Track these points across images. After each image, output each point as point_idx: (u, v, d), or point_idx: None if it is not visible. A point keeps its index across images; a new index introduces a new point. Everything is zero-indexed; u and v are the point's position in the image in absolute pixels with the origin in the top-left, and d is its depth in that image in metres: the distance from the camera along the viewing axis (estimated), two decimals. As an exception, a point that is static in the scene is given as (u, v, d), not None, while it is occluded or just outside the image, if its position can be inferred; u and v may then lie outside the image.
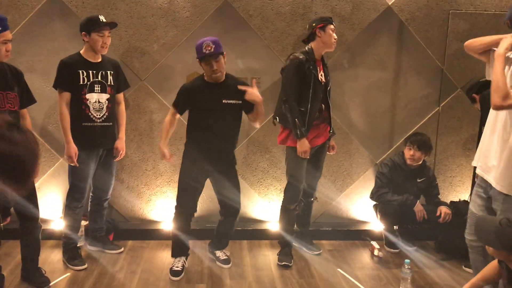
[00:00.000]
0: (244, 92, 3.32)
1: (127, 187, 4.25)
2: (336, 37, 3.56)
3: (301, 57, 3.49)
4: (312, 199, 3.99)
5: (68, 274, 3.51)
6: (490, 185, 2.73)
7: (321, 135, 3.72)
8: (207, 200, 4.31)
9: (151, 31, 4.01)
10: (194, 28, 4.02)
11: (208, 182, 3.60)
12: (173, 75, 4.10)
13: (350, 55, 4.19)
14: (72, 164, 3.48)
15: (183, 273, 3.54)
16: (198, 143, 3.47)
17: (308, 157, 3.61)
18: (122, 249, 3.94)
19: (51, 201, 4.19)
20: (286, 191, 3.78)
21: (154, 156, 4.21)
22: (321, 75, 3.61)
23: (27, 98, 3.27)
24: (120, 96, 3.72)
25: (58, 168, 4.13)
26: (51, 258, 3.75)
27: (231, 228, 3.73)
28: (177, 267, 3.55)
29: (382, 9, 4.12)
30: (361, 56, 4.21)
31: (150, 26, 4.00)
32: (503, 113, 2.64)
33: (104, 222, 3.96)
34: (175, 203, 3.56)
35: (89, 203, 3.83)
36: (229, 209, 3.62)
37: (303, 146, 3.52)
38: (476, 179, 2.95)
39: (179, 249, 3.62)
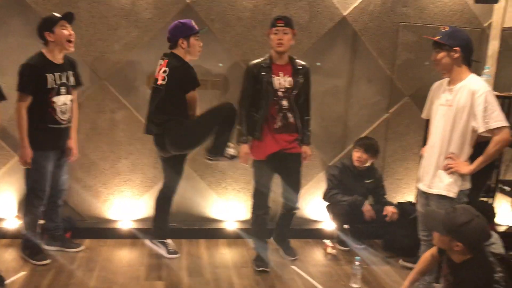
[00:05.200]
0: None
1: (85, 186, 4.24)
2: (72, 33, 3.42)
3: (254, 62, 3.61)
4: (292, 212, 3.88)
5: (24, 272, 3.48)
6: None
7: (282, 144, 3.60)
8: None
9: (113, 31, 4.03)
10: (156, 30, 4.08)
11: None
12: (133, 75, 4.14)
13: (306, 62, 4.34)
14: (26, 167, 3.46)
15: None
16: None
17: (247, 163, 3.69)
18: (83, 247, 3.93)
19: (4, 200, 4.12)
20: (252, 197, 3.80)
21: (112, 155, 4.23)
22: (283, 80, 3.54)
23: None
24: (74, 94, 3.68)
25: (13, 166, 4.07)
26: (5, 257, 3.71)
27: None
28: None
29: (338, 19, 4.33)
30: (317, 63, 4.39)
31: (111, 26, 4.02)
32: (440, 129, 3.07)
33: (61, 221, 3.94)
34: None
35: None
36: None
37: (241, 151, 3.63)
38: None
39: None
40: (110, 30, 4.02)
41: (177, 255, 3.87)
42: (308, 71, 3.65)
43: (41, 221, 3.86)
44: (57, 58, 3.45)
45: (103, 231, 4.20)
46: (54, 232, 3.85)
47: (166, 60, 3.52)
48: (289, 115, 3.58)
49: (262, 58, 3.63)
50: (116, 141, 4.21)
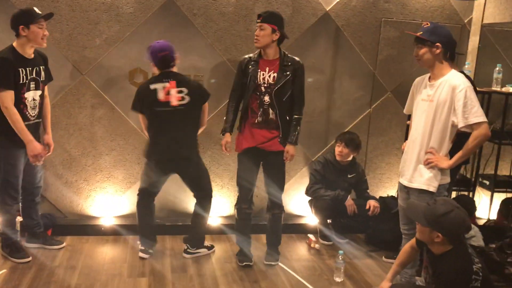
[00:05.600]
0: None
1: (66, 182, 4.19)
2: (47, 33, 3.38)
3: (245, 56, 3.63)
4: (275, 212, 3.79)
5: (4, 270, 3.44)
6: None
7: (259, 139, 3.59)
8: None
9: (94, 25, 3.98)
10: (137, 24, 4.04)
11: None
12: (115, 70, 4.10)
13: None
14: (39, 164, 3.45)
15: None
16: None
17: (226, 152, 3.76)
18: (64, 244, 3.89)
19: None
20: (238, 190, 3.81)
21: (94, 151, 4.18)
22: (268, 76, 3.50)
23: None
24: (46, 89, 3.62)
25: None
26: (-16, 255, 3.66)
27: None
28: None
29: (320, 14, 4.34)
30: (299, 58, 4.38)
31: (92, 21, 3.97)
32: (421, 124, 3.10)
33: (41, 217, 3.89)
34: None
35: (21, 200, 3.69)
36: None
37: (222, 140, 3.73)
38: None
39: None
40: (91, 25, 3.97)
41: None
42: (298, 68, 3.54)
43: (21, 219, 3.82)
44: (28, 52, 3.37)
45: (85, 228, 4.16)
46: (35, 229, 3.80)
47: (174, 81, 3.52)
48: (271, 111, 3.54)
49: (254, 53, 3.62)
50: (98, 137, 4.16)
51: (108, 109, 4.14)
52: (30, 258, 3.60)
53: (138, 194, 3.80)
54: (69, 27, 3.94)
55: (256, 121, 3.59)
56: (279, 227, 3.87)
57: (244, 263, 3.77)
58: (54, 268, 3.53)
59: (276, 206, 3.77)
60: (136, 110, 3.63)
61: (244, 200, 3.74)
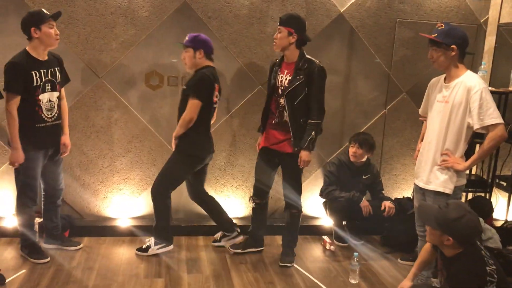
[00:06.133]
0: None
1: (83, 184, 4.25)
2: (58, 33, 3.40)
3: (275, 59, 3.72)
4: (293, 211, 3.79)
5: (24, 271, 3.50)
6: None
7: (271, 139, 3.68)
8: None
9: (110, 29, 4.03)
10: (153, 28, 4.08)
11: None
12: (131, 73, 4.15)
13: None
14: (15, 167, 3.44)
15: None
16: None
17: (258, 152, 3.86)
18: (82, 245, 3.95)
19: (2, 198, 4.13)
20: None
21: (111, 153, 4.24)
22: (285, 78, 3.54)
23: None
24: (62, 91, 3.66)
25: (12, 164, 4.07)
26: (4, 256, 3.72)
27: None
28: None
29: (334, 16, 4.34)
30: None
31: (108, 24, 4.02)
32: (437, 125, 3.09)
33: (60, 220, 3.95)
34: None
35: (42, 202, 3.77)
36: None
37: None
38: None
39: None
40: (107, 28, 4.02)
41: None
42: (313, 71, 3.45)
43: (39, 220, 3.88)
44: (42, 54, 3.40)
45: (102, 229, 4.21)
46: (53, 231, 3.85)
47: (217, 86, 3.71)
48: (285, 113, 3.56)
49: (280, 56, 3.67)
50: (114, 139, 4.22)
51: (124, 112, 4.19)
52: (48, 259, 3.66)
53: (167, 195, 3.81)
54: (86, 31, 4.00)
55: (273, 122, 3.68)
56: (296, 227, 3.88)
57: (248, 249, 4.00)
58: (72, 269, 3.59)
59: (291, 206, 3.79)
60: (202, 99, 3.56)
61: (255, 193, 3.91)
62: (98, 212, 4.34)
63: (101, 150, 4.23)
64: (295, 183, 3.74)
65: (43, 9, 3.38)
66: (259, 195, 3.89)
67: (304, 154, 3.56)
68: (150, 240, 3.89)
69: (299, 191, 3.76)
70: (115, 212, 4.35)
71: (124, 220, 4.31)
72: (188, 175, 3.83)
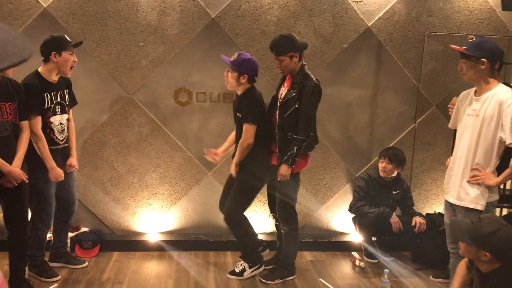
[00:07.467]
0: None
1: (113, 199, 4.33)
2: (76, 60, 3.43)
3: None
4: (281, 227, 3.81)
5: (56, 285, 3.56)
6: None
7: (270, 151, 3.71)
8: (192, 212, 4.42)
9: (140, 47, 4.13)
10: (182, 45, 4.16)
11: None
12: (160, 90, 4.22)
13: (331, 73, 4.38)
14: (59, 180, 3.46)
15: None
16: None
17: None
18: (86, 263, 3.90)
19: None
20: None
21: (141, 168, 4.31)
22: (283, 91, 3.57)
23: (25, 111, 3.22)
24: (70, 113, 3.65)
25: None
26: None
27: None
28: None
29: (362, 30, 4.33)
30: (341, 75, 4.40)
31: (139, 43, 4.12)
32: (467, 140, 3.04)
33: (90, 233, 4.02)
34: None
35: (54, 221, 3.72)
36: None
37: None
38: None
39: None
40: (137, 47, 4.12)
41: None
42: (304, 87, 3.42)
43: (49, 238, 3.83)
44: (53, 77, 3.42)
45: (131, 243, 4.27)
46: (59, 249, 3.84)
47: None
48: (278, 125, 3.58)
49: None
50: (144, 155, 4.29)
51: (154, 128, 4.26)
52: (59, 277, 3.63)
53: (242, 218, 3.78)
54: (117, 49, 4.10)
55: (274, 134, 3.66)
56: (287, 243, 3.80)
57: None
58: (103, 283, 3.64)
59: (278, 220, 3.85)
60: (257, 122, 3.58)
61: (271, 209, 3.95)
62: (128, 227, 4.40)
63: (131, 165, 4.30)
64: (281, 196, 3.66)
65: (66, 35, 3.43)
66: (273, 209, 3.88)
67: (282, 168, 3.51)
68: (242, 263, 3.84)
69: (286, 205, 3.67)
70: (144, 227, 4.40)
71: (153, 234, 4.36)
72: (258, 192, 3.82)
